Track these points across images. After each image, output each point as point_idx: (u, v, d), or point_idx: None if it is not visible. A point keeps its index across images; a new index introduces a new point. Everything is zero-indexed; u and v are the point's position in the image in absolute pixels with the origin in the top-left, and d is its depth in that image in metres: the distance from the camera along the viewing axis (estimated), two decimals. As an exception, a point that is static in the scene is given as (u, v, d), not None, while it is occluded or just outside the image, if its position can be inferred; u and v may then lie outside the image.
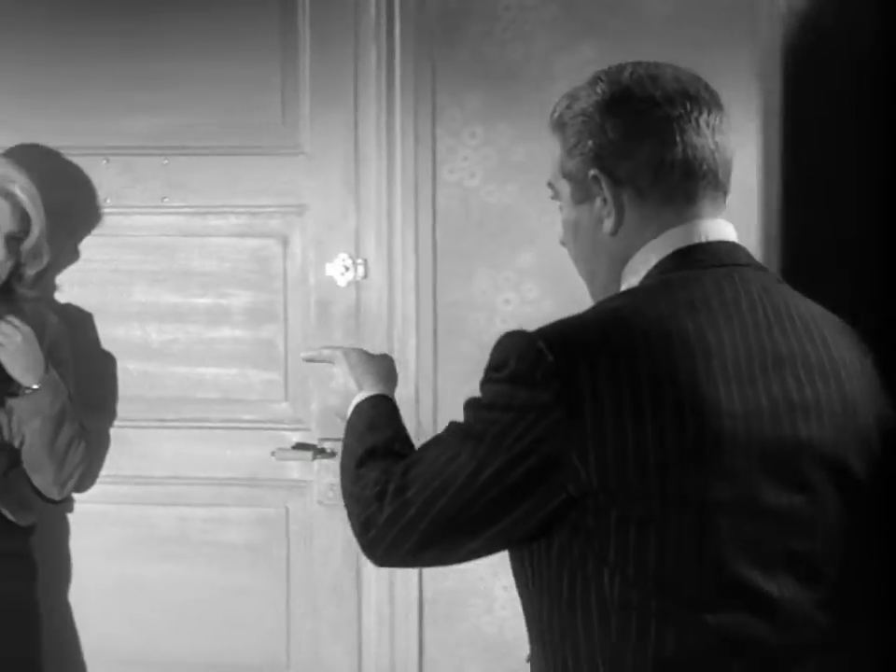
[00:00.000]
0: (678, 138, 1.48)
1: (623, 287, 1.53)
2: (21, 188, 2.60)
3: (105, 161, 2.81)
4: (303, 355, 2.05)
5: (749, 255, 1.55)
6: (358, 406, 1.78)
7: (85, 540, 2.89)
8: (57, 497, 2.78)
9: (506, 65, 2.58)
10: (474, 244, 2.65)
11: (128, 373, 2.86)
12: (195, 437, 2.84)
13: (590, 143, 1.50)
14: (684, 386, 1.38)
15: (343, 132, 2.73)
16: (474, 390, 1.48)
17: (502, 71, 2.59)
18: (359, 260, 2.74)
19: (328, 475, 2.71)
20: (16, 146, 2.79)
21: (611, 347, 1.40)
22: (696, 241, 1.50)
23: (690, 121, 1.49)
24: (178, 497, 2.85)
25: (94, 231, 2.83)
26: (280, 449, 2.73)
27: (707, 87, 1.53)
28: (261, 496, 2.82)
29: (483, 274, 2.66)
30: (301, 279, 2.79)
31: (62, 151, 2.81)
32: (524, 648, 1.57)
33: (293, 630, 2.84)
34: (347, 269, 2.75)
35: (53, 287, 2.86)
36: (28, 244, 2.65)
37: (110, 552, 2.87)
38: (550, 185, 1.61)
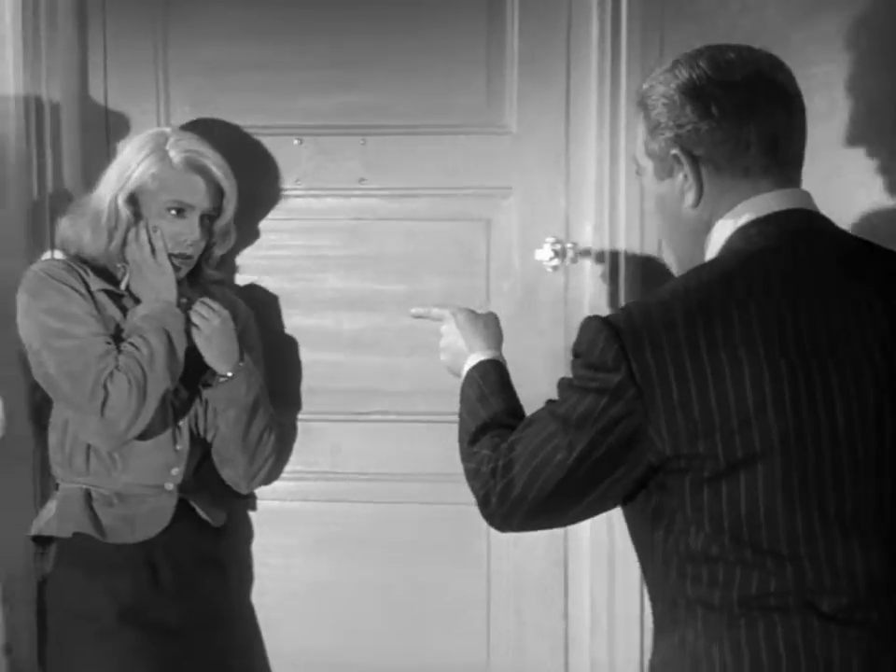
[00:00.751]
0: (752, 117, 1.62)
1: (707, 256, 1.67)
2: (215, 163, 2.47)
3: (297, 141, 2.67)
4: (413, 311, 2.22)
5: (823, 219, 1.67)
6: (469, 375, 1.93)
7: (269, 540, 2.75)
8: (244, 491, 2.67)
9: (739, 39, 2.44)
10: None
11: (317, 364, 2.72)
12: (388, 430, 2.71)
13: (671, 124, 1.65)
14: (743, 355, 1.52)
15: (554, 110, 2.61)
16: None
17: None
18: (569, 244, 2.61)
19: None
20: (192, 120, 2.65)
21: (674, 326, 1.54)
22: (771, 210, 1.63)
23: (763, 101, 1.63)
24: (369, 495, 2.72)
25: (283, 215, 2.70)
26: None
27: (782, 67, 1.68)
28: (460, 491, 2.65)
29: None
30: (506, 264, 2.66)
31: (251, 130, 2.67)
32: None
33: (493, 630, 2.72)
34: (556, 253, 2.62)
35: (234, 271, 2.72)
36: (221, 222, 2.53)
37: (296, 551, 2.74)
38: (635, 161, 1.78)
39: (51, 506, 2.45)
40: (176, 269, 2.46)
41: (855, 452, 1.55)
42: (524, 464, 1.64)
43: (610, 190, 2.54)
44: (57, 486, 2.49)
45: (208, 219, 2.50)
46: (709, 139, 1.63)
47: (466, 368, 1.95)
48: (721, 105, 1.63)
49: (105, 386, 2.32)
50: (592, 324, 1.59)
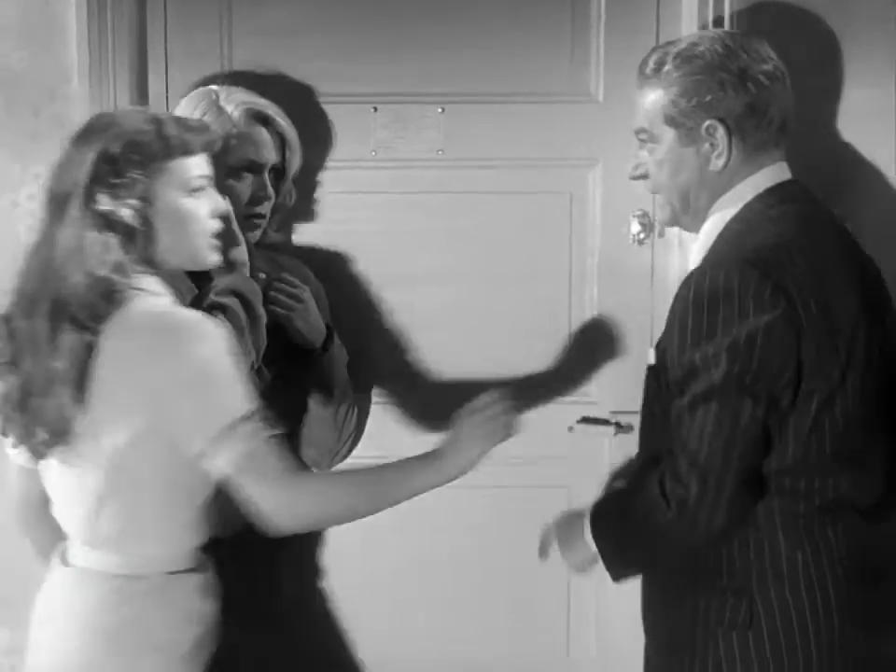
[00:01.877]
0: (776, 94, 1.90)
1: (721, 212, 1.92)
2: (275, 112, 2.35)
3: (373, 110, 2.54)
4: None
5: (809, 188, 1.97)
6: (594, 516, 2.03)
7: (339, 529, 2.60)
8: (325, 469, 2.52)
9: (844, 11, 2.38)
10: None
11: (389, 342, 2.60)
12: (463, 412, 2.60)
13: (708, 97, 1.88)
14: (840, 283, 1.83)
15: (642, 76, 2.50)
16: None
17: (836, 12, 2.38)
18: (656, 217, 2.52)
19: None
20: (258, 82, 2.46)
21: (796, 263, 1.78)
22: (779, 180, 1.91)
23: (782, 86, 1.91)
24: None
25: (358, 187, 2.56)
26: (583, 419, 2.51)
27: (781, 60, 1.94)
28: (536, 474, 2.59)
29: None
30: (590, 238, 2.56)
31: (322, 98, 2.54)
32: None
33: (574, 618, 2.65)
34: (643, 226, 2.53)
35: (291, 241, 2.58)
36: (287, 175, 2.40)
37: (369, 540, 2.60)
38: (642, 130, 1.97)
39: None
40: (244, 231, 2.31)
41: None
42: (708, 453, 1.76)
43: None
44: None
45: (274, 174, 2.37)
46: (742, 113, 1.88)
47: (588, 526, 2.02)
48: (757, 85, 1.88)
49: (190, 368, 2.18)
50: (728, 271, 1.76)
